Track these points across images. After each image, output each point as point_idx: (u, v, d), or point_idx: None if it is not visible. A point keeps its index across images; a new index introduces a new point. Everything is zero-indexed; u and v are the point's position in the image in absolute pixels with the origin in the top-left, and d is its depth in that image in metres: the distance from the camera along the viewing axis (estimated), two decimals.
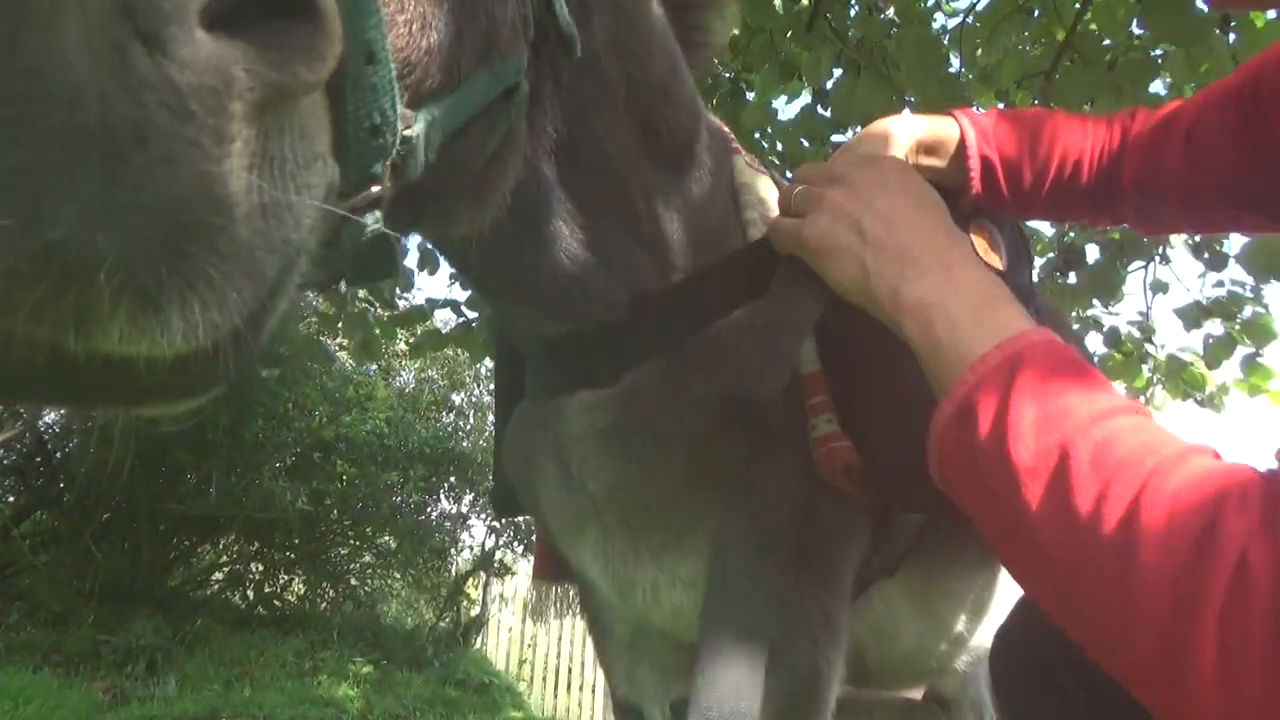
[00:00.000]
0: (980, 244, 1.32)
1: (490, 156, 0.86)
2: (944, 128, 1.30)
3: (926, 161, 1.31)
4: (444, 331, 5.38)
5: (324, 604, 9.23)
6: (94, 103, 0.39)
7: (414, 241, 3.34)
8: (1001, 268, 1.33)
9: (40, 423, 7.52)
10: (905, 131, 1.26)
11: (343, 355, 7.46)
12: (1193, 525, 0.65)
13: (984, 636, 1.72)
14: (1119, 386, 6.15)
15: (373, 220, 0.65)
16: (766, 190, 1.39)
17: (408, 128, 0.65)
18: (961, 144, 1.29)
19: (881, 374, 1.19)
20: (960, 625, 1.70)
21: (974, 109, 1.37)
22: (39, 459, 7.52)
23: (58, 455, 7.64)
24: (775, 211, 1.33)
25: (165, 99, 0.41)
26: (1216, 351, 4.96)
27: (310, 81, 0.49)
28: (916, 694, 2.54)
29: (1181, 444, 0.73)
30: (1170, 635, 0.64)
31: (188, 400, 0.51)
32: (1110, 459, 0.71)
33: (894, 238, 0.98)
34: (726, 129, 1.48)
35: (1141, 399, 5.64)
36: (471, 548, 10.00)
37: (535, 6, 0.90)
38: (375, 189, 0.64)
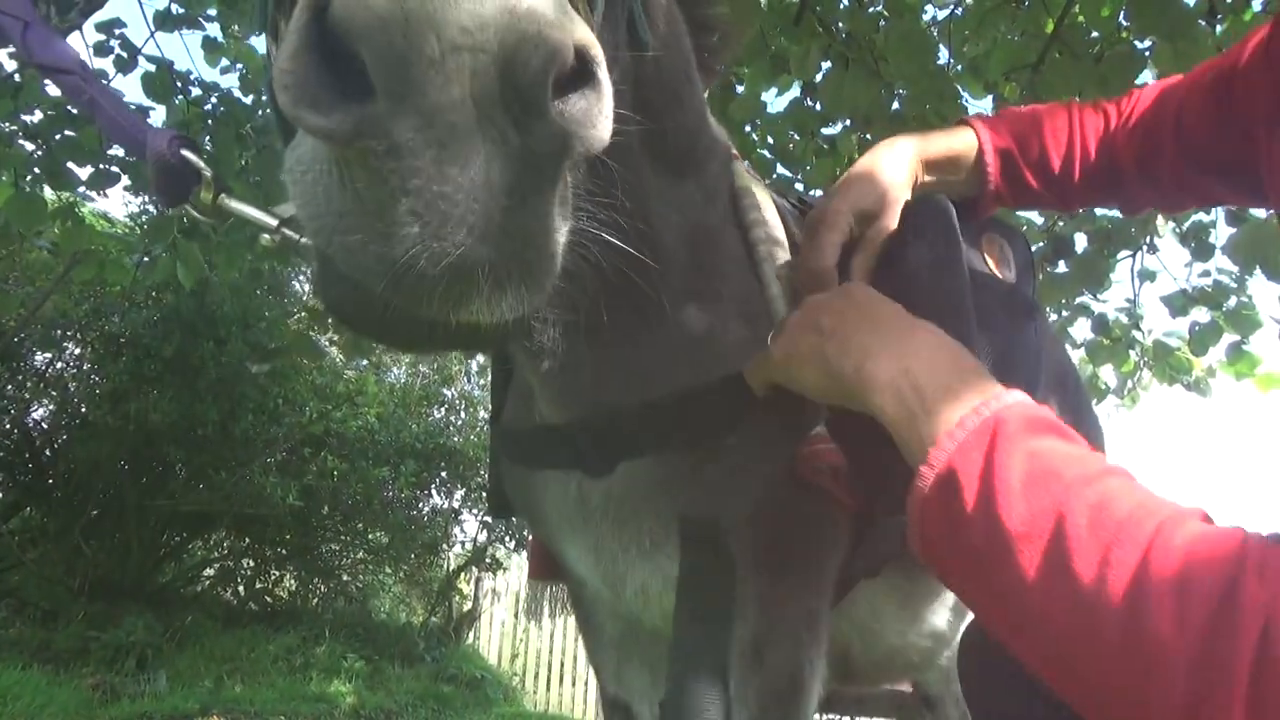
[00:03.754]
0: (990, 259, 1.34)
1: None
2: (957, 140, 1.31)
3: (940, 177, 1.32)
4: None
5: (315, 600, 9.22)
6: (483, 165, 0.59)
7: None
8: (1013, 281, 1.35)
9: (29, 418, 7.50)
10: (895, 160, 1.26)
11: (333, 350, 7.43)
12: (1206, 594, 0.62)
13: None
14: (1107, 370, 6.15)
15: None
16: (764, 196, 1.40)
17: None
18: (979, 148, 1.31)
19: None
20: (943, 623, 1.71)
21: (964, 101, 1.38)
22: (28, 455, 7.49)
23: (46, 451, 7.61)
24: (775, 218, 1.35)
25: (527, 162, 0.60)
26: (1202, 338, 5.01)
27: (604, 139, 0.66)
28: (905, 686, 2.56)
29: (1175, 506, 0.71)
30: (1193, 711, 0.60)
31: (496, 346, 0.83)
32: (1109, 521, 0.69)
33: (852, 324, 0.98)
34: (725, 133, 1.49)
35: (1129, 382, 5.69)
36: (463, 543, 10.00)
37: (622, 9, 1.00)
38: None
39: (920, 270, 1.18)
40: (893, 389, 0.89)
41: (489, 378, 1.61)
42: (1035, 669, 0.74)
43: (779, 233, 1.33)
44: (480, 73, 0.56)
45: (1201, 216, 4.73)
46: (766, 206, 1.37)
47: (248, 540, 8.63)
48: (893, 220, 1.22)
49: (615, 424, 1.20)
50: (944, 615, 1.70)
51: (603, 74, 0.65)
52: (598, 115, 0.64)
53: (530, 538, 1.67)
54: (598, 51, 0.64)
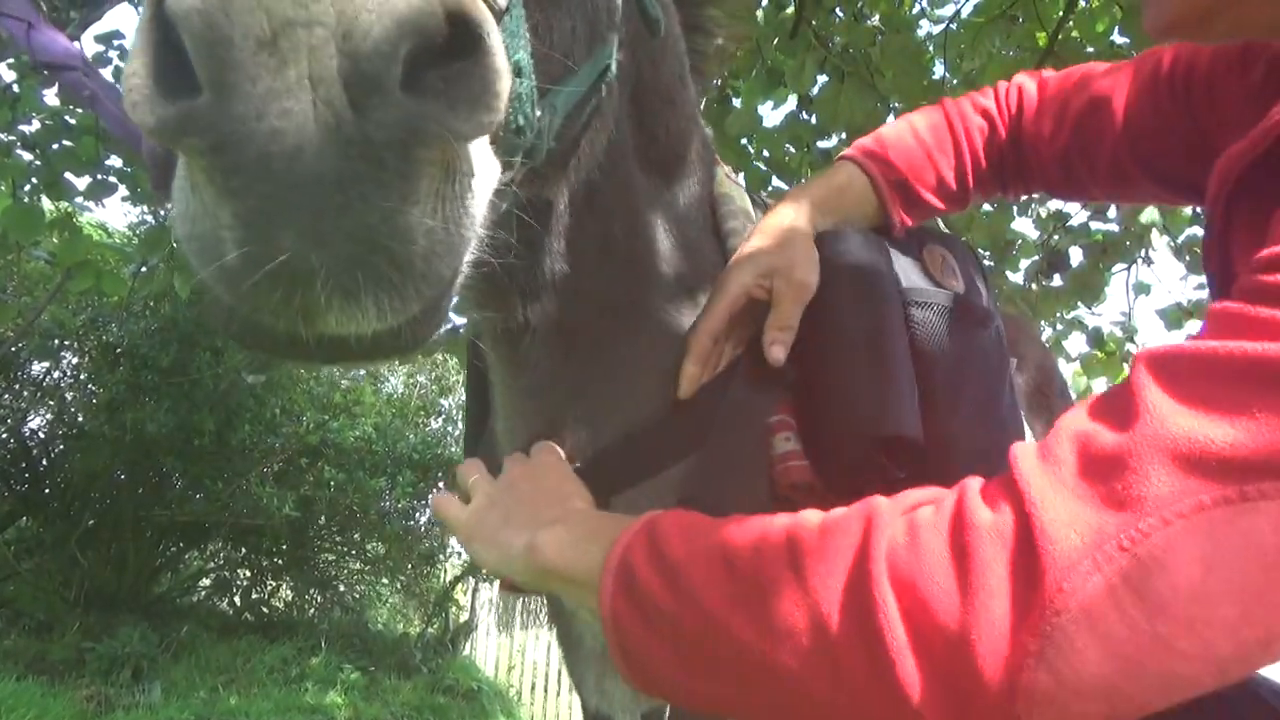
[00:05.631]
0: (933, 271, 1.33)
1: (582, 127, 0.95)
2: (845, 181, 1.31)
3: (838, 220, 1.30)
4: (433, 337, 5.37)
5: (311, 610, 9.18)
6: (312, 158, 0.52)
7: None
8: (960, 290, 1.34)
9: (25, 428, 7.48)
10: (793, 215, 1.25)
11: None
12: (852, 519, 0.73)
13: None
14: (1102, 383, 6.19)
15: (504, 201, 0.77)
16: (746, 202, 1.39)
17: (539, 121, 0.76)
18: (873, 185, 1.30)
19: (830, 404, 1.20)
20: None
21: (864, 140, 1.38)
22: (24, 464, 7.47)
23: (43, 461, 7.59)
24: (753, 222, 1.34)
25: (365, 152, 0.53)
26: None
27: (492, 123, 0.58)
28: None
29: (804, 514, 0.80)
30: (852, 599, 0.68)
31: (386, 360, 0.69)
32: (753, 527, 0.79)
33: (514, 505, 1.06)
34: (711, 138, 1.49)
35: None
36: (460, 553, 9.96)
37: None
38: (509, 174, 0.75)
39: (844, 309, 1.19)
40: (557, 557, 0.94)
41: (465, 382, 1.59)
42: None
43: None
44: (318, 48, 0.50)
45: (1197, 230, 4.75)
46: (748, 213, 1.37)
47: (244, 550, 8.60)
48: (804, 271, 1.19)
49: (599, 465, 1.20)
50: None
51: (492, 41, 0.57)
52: (479, 94, 0.57)
53: None
54: (481, 14, 0.56)
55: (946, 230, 1.60)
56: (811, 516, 0.77)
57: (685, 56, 1.31)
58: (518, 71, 0.68)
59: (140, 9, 0.54)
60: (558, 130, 0.83)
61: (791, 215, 1.25)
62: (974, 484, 0.71)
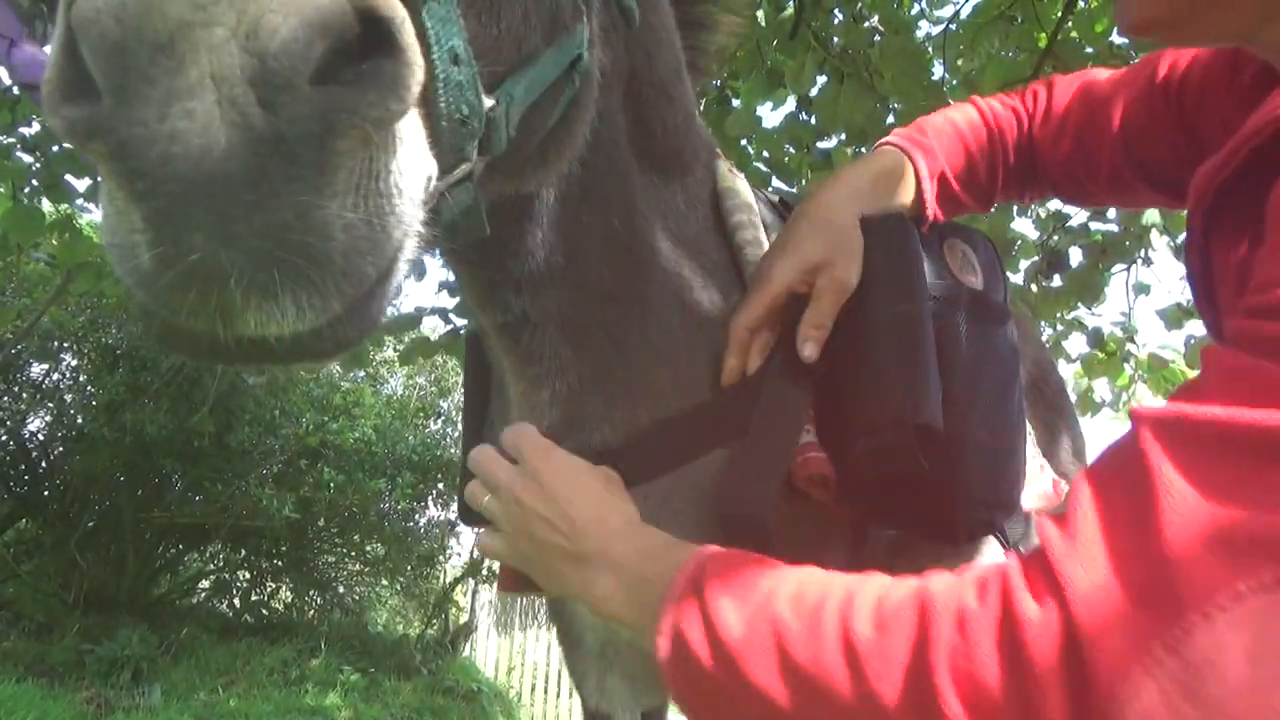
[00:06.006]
0: (953, 266, 1.33)
1: (557, 121, 0.93)
2: (890, 166, 1.30)
3: (877, 208, 1.29)
4: (432, 339, 5.37)
5: (311, 612, 9.18)
6: (219, 157, 0.51)
7: None
8: (979, 286, 1.34)
9: (25, 430, 7.48)
10: (841, 201, 1.24)
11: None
12: (905, 607, 0.72)
13: None
14: (1103, 384, 6.16)
15: (467, 195, 0.76)
16: (749, 195, 1.39)
17: (491, 110, 0.74)
18: (915, 175, 1.30)
19: (861, 390, 1.19)
20: None
21: (906, 129, 1.38)
22: (23, 466, 7.47)
23: (42, 463, 7.59)
24: (758, 219, 1.34)
25: (276, 148, 0.53)
26: (1197, 351, 5.02)
27: (401, 111, 0.58)
28: None
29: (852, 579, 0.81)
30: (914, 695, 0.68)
31: (315, 361, 0.67)
32: (808, 602, 0.78)
33: (550, 542, 1.04)
34: (710, 135, 1.49)
35: (1124, 395, 5.71)
36: (460, 555, 9.97)
37: None
38: (466, 166, 0.74)
39: (884, 297, 1.18)
40: (608, 606, 0.97)
41: (464, 380, 1.59)
42: None
43: (763, 234, 1.33)
44: (218, 48, 0.51)
45: None
46: (752, 207, 1.37)
47: (243, 552, 8.60)
48: (846, 269, 1.18)
49: (630, 452, 1.19)
50: None
51: (404, 38, 0.58)
52: (388, 85, 0.57)
53: None
54: (393, 11, 0.57)
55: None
56: (864, 600, 0.76)
57: (682, 52, 1.31)
58: (454, 59, 0.67)
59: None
60: (519, 120, 0.81)
61: (836, 204, 1.23)
62: (1016, 571, 0.70)
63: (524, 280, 1.13)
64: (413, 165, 0.63)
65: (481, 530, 1.17)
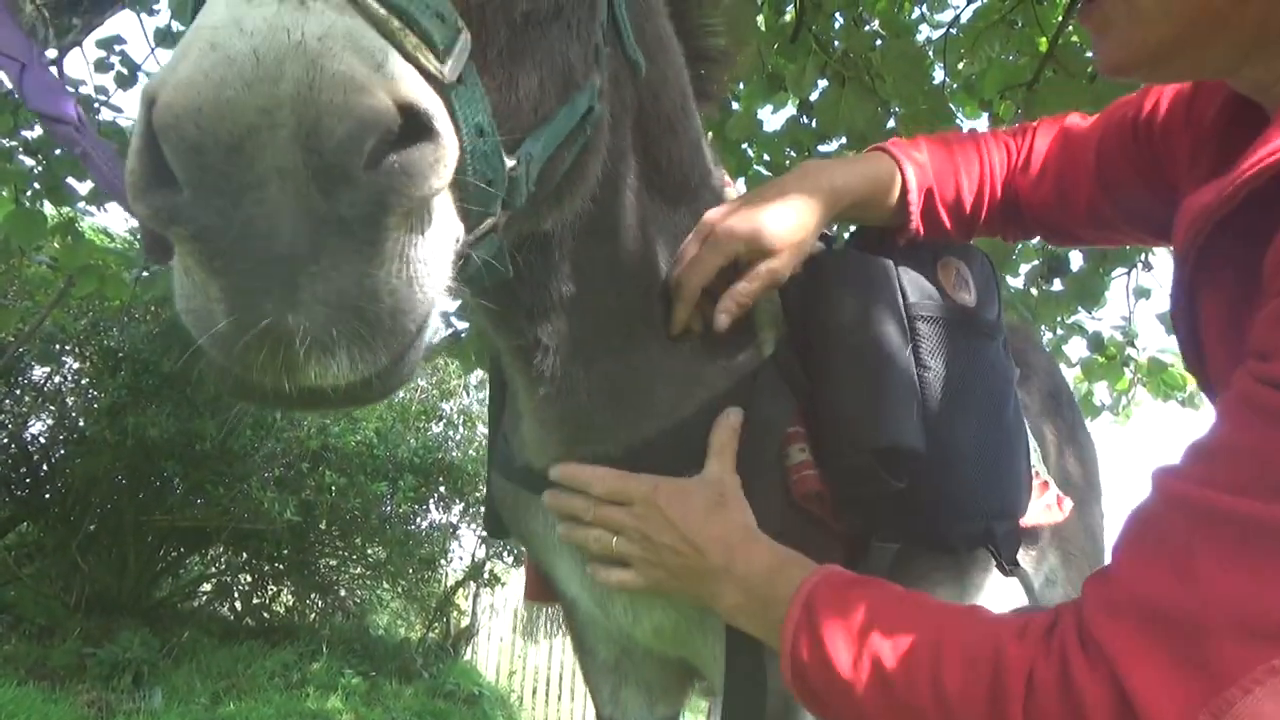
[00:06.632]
0: (945, 283, 1.36)
1: (570, 165, 0.99)
2: (879, 172, 1.31)
3: (857, 214, 1.33)
4: (433, 342, 5.38)
5: (313, 615, 9.17)
6: (286, 237, 0.60)
7: None
8: (971, 303, 1.36)
9: (26, 433, 7.49)
10: (809, 198, 1.26)
11: None
12: (981, 664, 0.83)
13: None
14: (1102, 387, 6.16)
15: (492, 246, 0.86)
16: None
17: (512, 170, 0.81)
18: (904, 186, 1.31)
19: (825, 416, 1.24)
20: None
21: (901, 140, 1.38)
22: (25, 469, 7.47)
23: (44, 466, 7.60)
24: None
25: (335, 227, 0.61)
26: None
27: (441, 187, 0.67)
28: None
29: (952, 606, 0.96)
30: None
31: (363, 405, 0.78)
32: (902, 644, 0.90)
33: (680, 565, 1.17)
34: (719, 160, 1.50)
35: (1124, 399, 5.71)
36: (461, 558, 9.97)
37: (606, 38, 1.01)
38: (490, 221, 0.82)
39: (842, 328, 1.25)
40: (738, 618, 1.13)
41: (489, 393, 1.63)
42: None
43: None
44: (281, 148, 0.58)
45: None
46: None
47: (245, 555, 8.59)
48: (784, 265, 1.23)
49: (644, 458, 1.24)
50: None
51: (441, 125, 0.66)
52: (430, 167, 0.65)
53: (527, 558, 1.69)
54: (431, 105, 0.65)
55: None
56: (950, 650, 0.87)
57: (689, 87, 1.34)
58: (480, 132, 0.75)
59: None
60: (538, 174, 0.88)
61: (809, 199, 1.25)
62: (1073, 634, 0.79)
63: (536, 309, 1.18)
64: (444, 230, 0.72)
65: (607, 569, 1.26)
